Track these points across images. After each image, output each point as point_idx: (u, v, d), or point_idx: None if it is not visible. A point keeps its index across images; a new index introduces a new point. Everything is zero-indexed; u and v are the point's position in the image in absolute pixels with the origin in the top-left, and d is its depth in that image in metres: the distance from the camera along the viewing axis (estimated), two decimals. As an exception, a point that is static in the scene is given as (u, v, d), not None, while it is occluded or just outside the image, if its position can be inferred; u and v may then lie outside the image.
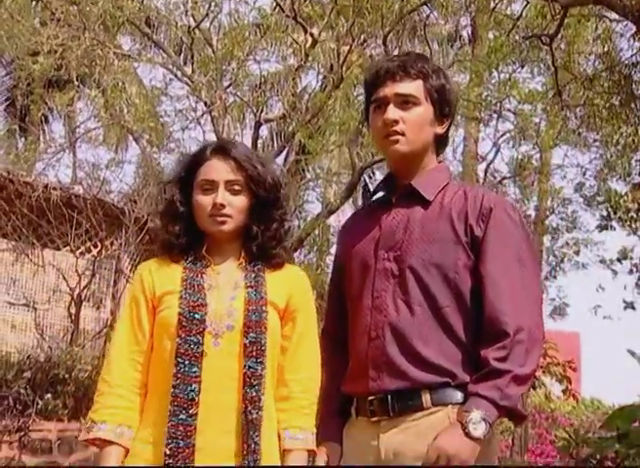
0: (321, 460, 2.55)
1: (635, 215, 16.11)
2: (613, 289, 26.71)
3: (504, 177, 16.43)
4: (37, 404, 9.45)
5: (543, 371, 18.07)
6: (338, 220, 19.74)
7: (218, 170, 2.47)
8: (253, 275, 2.47)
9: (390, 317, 2.52)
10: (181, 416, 2.26)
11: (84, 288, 11.10)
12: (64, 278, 11.15)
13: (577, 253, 17.56)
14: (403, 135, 2.58)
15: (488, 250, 2.50)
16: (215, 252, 2.51)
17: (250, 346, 2.36)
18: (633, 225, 16.28)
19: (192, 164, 2.53)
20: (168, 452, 2.24)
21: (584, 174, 16.43)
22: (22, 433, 9.27)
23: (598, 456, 15.91)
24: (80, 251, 11.56)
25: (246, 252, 2.51)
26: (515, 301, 2.46)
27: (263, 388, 2.35)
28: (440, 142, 2.70)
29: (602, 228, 16.98)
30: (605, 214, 17.00)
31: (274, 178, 2.51)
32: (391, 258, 2.56)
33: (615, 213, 16.51)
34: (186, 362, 2.32)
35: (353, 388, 2.57)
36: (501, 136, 15.66)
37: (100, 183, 12.33)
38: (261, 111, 13.82)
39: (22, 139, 17.44)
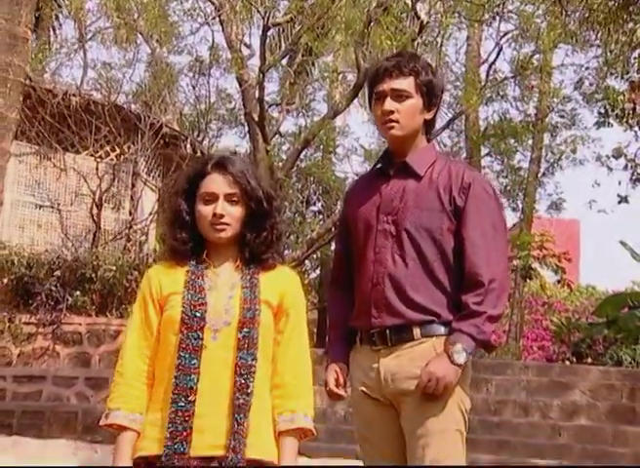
0: (331, 376, 3.21)
1: (631, 113, 16.43)
2: (608, 184, 27.10)
3: (506, 78, 16.72)
4: (67, 300, 10.16)
5: (540, 263, 18.81)
6: (343, 121, 20.18)
7: (218, 183, 2.70)
8: (248, 277, 2.71)
9: (389, 268, 3.10)
10: (180, 404, 2.54)
11: (105, 191, 11.73)
12: (86, 181, 11.76)
13: (573, 151, 17.99)
14: (398, 122, 3.16)
15: (468, 217, 3.11)
16: (214, 255, 2.75)
17: (243, 340, 2.60)
18: (630, 121, 16.63)
19: (195, 177, 2.77)
20: (168, 435, 2.53)
21: (581, 79, 16.74)
22: (55, 326, 10.06)
23: (588, 341, 16.64)
24: (99, 154, 12.15)
25: (241, 256, 2.75)
26: (489, 258, 3.08)
27: (253, 377, 2.59)
28: (429, 126, 3.29)
29: (599, 125, 17.32)
30: (603, 111, 17.30)
31: (266, 192, 2.75)
32: (390, 221, 3.12)
33: (612, 110, 16.82)
34: (187, 355, 2.58)
35: (359, 323, 3.21)
36: (503, 36, 15.91)
37: (118, 86, 12.76)
38: (269, 15, 14.07)
39: (34, 38, 17.66)
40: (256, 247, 2.73)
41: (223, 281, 2.71)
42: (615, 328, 15.03)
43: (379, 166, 3.36)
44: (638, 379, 10.01)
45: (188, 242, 2.73)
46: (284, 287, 2.76)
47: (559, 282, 19.89)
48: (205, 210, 2.70)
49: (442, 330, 3.08)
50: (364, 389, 3.16)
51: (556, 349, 19.05)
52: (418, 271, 3.10)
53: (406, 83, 3.16)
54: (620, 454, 8.52)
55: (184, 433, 2.52)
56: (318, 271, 20.79)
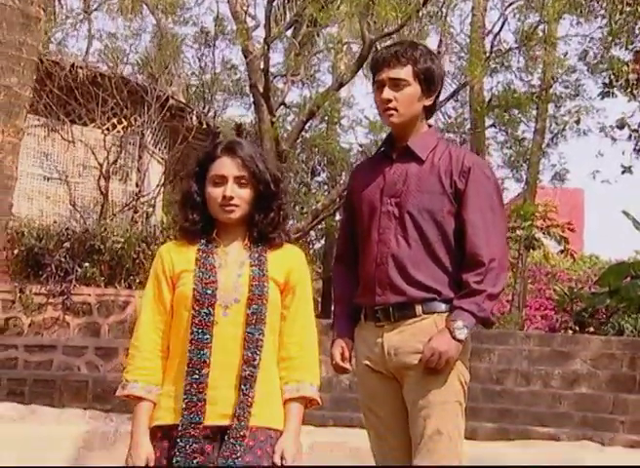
0: (337, 351, 3.36)
1: (636, 83, 16.43)
2: (611, 155, 27.04)
3: (510, 48, 16.74)
4: (76, 271, 10.28)
5: (543, 233, 18.95)
6: (348, 92, 20.23)
7: (227, 166, 2.81)
8: (256, 255, 2.83)
9: (392, 249, 3.24)
10: (195, 376, 2.68)
11: (112, 163, 11.84)
12: (93, 153, 11.89)
13: (577, 122, 18.03)
14: (396, 110, 3.29)
15: (468, 200, 3.25)
16: (224, 235, 2.87)
17: (251, 316, 2.73)
18: (634, 91, 16.64)
19: (205, 161, 2.88)
20: (184, 406, 2.67)
21: (585, 50, 16.73)
22: (65, 297, 10.19)
23: (591, 310, 16.77)
24: (106, 127, 12.25)
25: (249, 235, 2.87)
26: (488, 239, 3.22)
27: (260, 350, 2.73)
28: (429, 111, 3.42)
29: (604, 95, 17.33)
30: (607, 81, 17.30)
31: (273, 175, 2.87)
32: (393, 204, 3.26)
33: (617, 80, 16.83)
34: (199, 330, 2.70)
35: (363, 300, 3.35)
36: (508, 6, 15.90)
37: (124, 57, 12.85)
38: (274, -15, 14.10)
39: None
40: (263, 227, 2.84)
41: (233, 259, 2.83)
42: (617, 297, 15.12)
43: (382, 149, 3.49)
44: (638, 348, 10.14)
45: (199, 222, 2.85)
46: (290, 264, 2.88)
47: (562, 252, 20.04)
48: (215, 192, 2.81)
49: (443, 307, 3.23)
50: (368, 363, 3.31)
51: (559, 318, 19.21)
52: (420, 251, 3.24)
53: (403, 72, 3.28)
54: (619, 422, 8.69)
55: (199, 404, 2.66)
56: (323, 241, 20.99)
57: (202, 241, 2.85)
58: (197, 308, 2.73)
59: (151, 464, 2.66)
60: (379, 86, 3.33)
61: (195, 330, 2.71)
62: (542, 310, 22.54)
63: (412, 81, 3.28)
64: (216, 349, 2.71)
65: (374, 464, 3.41)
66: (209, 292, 2.74)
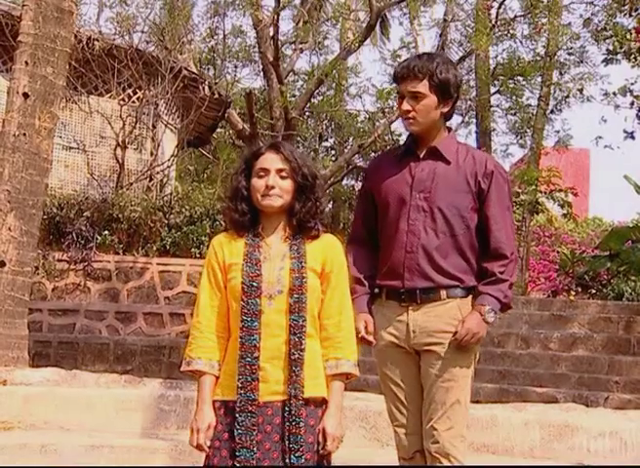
0: (361, 325, 3.70)
1: (639, 50, 16.58)
2: (614, 121, 27.13)
3: (516, 16, 16.91)
4: (96, 239, 10.77)
5: (547, 198, 19.25)
6: (356, 58, 20.44)
7: (270, 160, 3.16)
8: (295, 247, 3.15)
9: (422, 239, 3.62)
10: (247, 359, 3.01)
11: (129, 133, 12.21)
12: (109, 123, 12.25)
13: (580, 90, 18.21)
14: (414, 119, 3.65)
15: (491, 199, 3.65)
16: (267, 225, 3.19)
17: (294, 305, 3.05)
18: (638, 58, 16.82)
19: (251, 158, 3.22)
20: (239, 385, 3.00)
21: (589, 18, 16.87)
22: (86, 263, 10.68)
23: (592, 273, 16.99)
24: (121, 97, 12.59)
25: (289, 226, 3.19)
26: (508, 234, 3.66)
27: (304, 335, 3.05)
28: (447, 116, 3.78)
29: (607, 62, 17.51)
30: (611, 48, 17.46)
31: (310, 170, 3.20)
32: (422, 198, 3.64)
33: (620, 47, 17.00)
34: (249, 318, 3.04)
35: (390, 283, 3.70)
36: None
37: (135, 25, 13.09)
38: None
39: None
40: (302, 215, 3.18)
41: (275, 253, 3.16)
42: (617, 261, 15.41)
43: (404, 147, 3.84)
44: (634, 312, 10.53)
45: (247, 213, 3.20)
46: (327, 253, 3.21)
47: (565, 216, 20.37)
48: (259, 182, 3.16)
49: (464, 293, 3.67)
50: (392, 339, 3.71)
51: (561, 280, 19.56)
52: (447, 243, 3.64)
53: (421, 85, 3.63)
54: (613, 382, 9.12)
55: (253, 383, 3.02)
56: (330, 206, 21.35)
57: (249, 235, 3.19)
58: (245, 299, 3.07)
59: (211, 429, 3.04)
60: (400, 96, 3.71)
61: (245, 318, 3.05)
62: (547, 272, 22.89)
63: (428, 93, 3.64)
64: (264, 335, 3.06)
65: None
66: (255, 284, 3.08)
